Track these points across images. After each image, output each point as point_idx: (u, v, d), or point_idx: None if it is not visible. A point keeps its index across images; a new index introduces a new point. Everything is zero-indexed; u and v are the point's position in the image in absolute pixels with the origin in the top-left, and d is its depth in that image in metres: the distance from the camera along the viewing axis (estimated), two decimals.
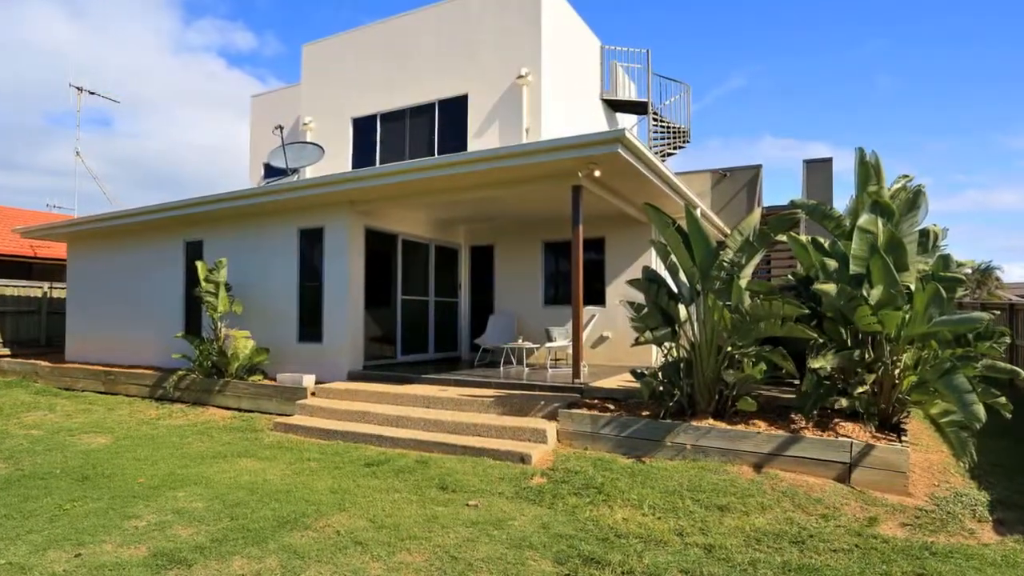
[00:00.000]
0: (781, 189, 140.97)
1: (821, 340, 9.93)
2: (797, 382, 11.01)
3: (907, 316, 8.80)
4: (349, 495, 8.25)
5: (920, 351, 9.39)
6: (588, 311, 16.72)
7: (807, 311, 9.64)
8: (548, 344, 15.27)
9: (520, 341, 16.27)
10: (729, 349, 10.04)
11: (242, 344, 15.26)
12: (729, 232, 10.96)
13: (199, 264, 15.97)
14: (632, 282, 11.61)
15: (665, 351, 11.34)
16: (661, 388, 10.79)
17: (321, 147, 19.41)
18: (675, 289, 11.13)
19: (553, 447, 10.37)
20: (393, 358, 17.28)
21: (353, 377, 15.04)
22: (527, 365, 16.18)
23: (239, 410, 14.33)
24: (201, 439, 11.83)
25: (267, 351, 15.64)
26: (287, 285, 16.33)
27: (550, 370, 14.99)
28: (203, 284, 15.73)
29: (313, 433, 11.79)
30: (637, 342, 11.31)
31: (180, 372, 16.16)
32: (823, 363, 9.33)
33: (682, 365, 10.84)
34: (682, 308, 10.99)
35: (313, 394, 13.70)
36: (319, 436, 11.67)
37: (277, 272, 16.51)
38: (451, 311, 20.02)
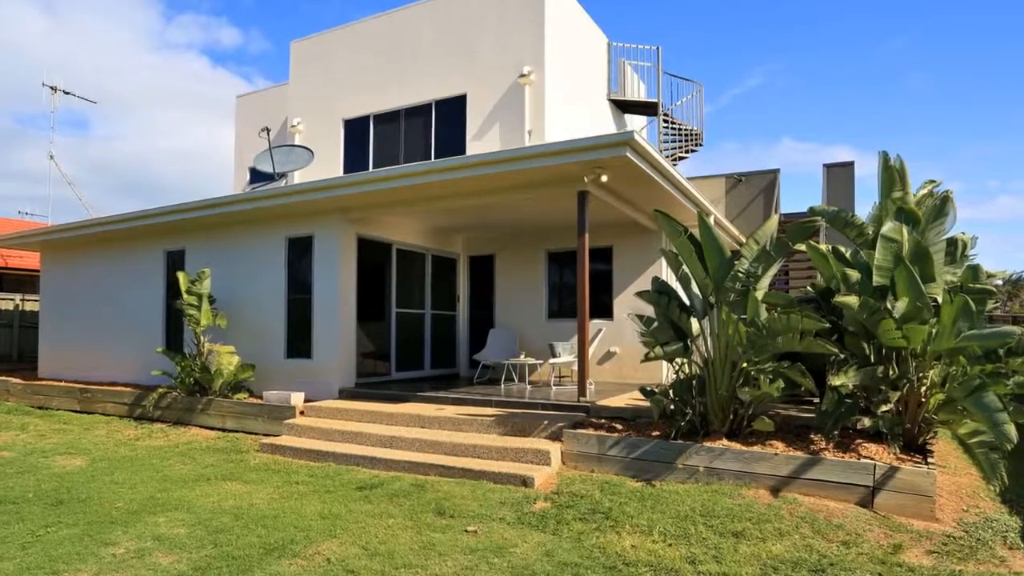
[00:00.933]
0: (800, 195, 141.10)
1: (842, 356, 9.94)
2: (816, 400, 11.02)
3: (934, 330, 8.80)
4: (340, 520, 8.26)
5: (947, 367, 9.35)
6: (594, 325, 16.73)
7: (827, 325, 9.63)
8: (552, 360, 15.28)
9: (522, 357, 16.29)
10: (744, 365, 10.04)
11: (226, 360, 15.27)
12: (744, 241, 10.98)
13: (180, 275, 16.00)
14: (641, 294, 11.64)
15: (676, 367, 11.36)
16: (672, 407, 10.80)
17: (310, 150, 19.44)
18: (687, 301, 11.16)
19: (557, 469, 10.38)
20: (387, 375, 17.30)
21: (344, 395, 15.06)
22: (529, 382, 16.17)
23: (223, 430, 14.35)
24: (183, 461, 11.84)
25: (253, 367, 15.66)
26: (274, 297, 16.35)
27: (554, 388, 14.99)
28: (185, 296, 15.76)
29: (302, 454, 11.80)
30: (647, 358, 11.33)
31: (161, 389, 16.17)
32: (844, 380, 9.33)
33: (694, 382, 10.86)
34: (694, 322, 11.01)
35: (302, 413, 13.73)
36: (308, 458, 11.68)
37: (263, 283, 16.54)
38: (449, 325, 20.03)
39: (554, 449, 10.60)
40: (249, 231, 16.85)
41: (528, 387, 15.48)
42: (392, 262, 17.52)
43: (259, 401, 14.61)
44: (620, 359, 17.06)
